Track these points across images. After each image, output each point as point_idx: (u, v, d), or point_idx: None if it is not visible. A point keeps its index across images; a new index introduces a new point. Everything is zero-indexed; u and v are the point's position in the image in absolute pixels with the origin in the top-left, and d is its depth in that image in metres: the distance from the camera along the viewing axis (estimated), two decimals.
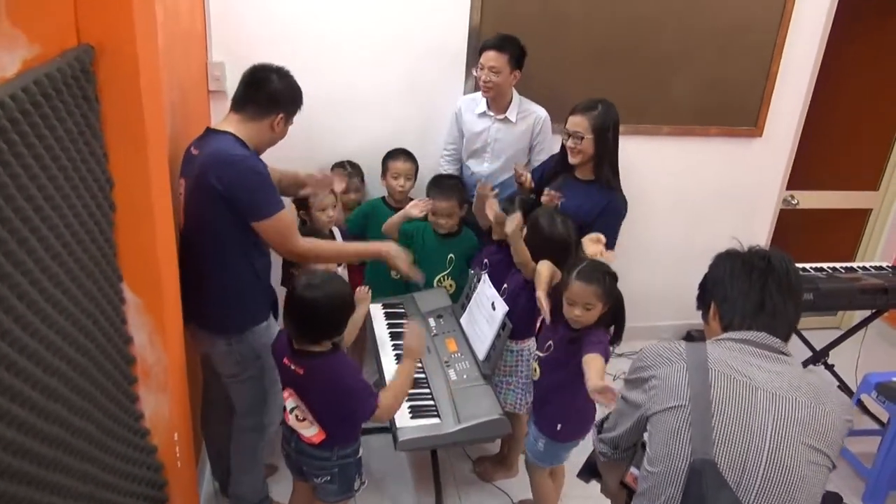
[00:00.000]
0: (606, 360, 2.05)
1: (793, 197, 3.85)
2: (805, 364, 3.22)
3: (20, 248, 1.02)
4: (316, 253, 2.20)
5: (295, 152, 2.50)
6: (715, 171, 3.62)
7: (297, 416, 1.97)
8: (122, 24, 1.35)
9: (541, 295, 2.17)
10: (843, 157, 4.12)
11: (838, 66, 3.74)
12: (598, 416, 2.05)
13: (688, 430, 1.24)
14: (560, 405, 2.19)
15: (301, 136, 2.30)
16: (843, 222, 4.14)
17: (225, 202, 1.92)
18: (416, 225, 2.90)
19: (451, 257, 2.90)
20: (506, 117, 2.93)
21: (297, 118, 2.17)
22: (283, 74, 2.08)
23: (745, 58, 3.37)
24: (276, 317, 2.26)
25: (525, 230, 2.41)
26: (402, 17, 3.01)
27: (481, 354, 2.38)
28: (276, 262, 2.42)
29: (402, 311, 2.76)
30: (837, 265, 3.18)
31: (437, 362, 2.39)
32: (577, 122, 2.54)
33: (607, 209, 2.56)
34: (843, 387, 3.20)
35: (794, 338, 2.92)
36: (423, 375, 2.33)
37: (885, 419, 2.86)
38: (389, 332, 2.63)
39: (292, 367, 1.90)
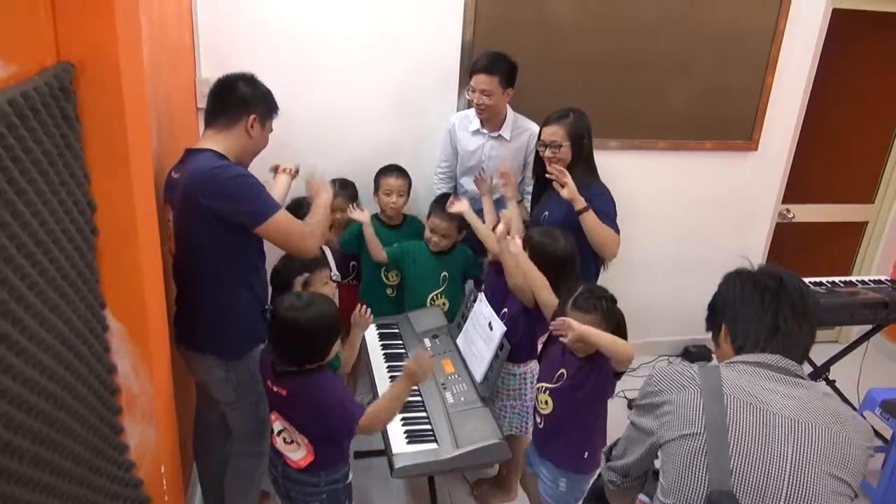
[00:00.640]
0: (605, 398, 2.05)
1: (789, 210, 3.83)
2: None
3: None
4: (317, 231, 2.06)
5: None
6: (711, 186, 3.60)
7: (284, 439, 1.91)
8: (103, 40, 1.29)
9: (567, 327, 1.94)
10: (839, 170, 4.11)
11: (832, 79, 3.74)
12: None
13: (704, 460, 1.18)
14: (582, 433, 2.08)
15: (292, 154, 2.25)
16: (839, 235, 4.13)
17: (218, 219, 1.86)
18: (405, 246, 2.85)
19: (444, 275, 2.84)
20: (500, 135, 2.89)
21: (288, 136, 2.12)
22: (248, 79, 2.02)
23: (740, 70, 3.36)
24: None
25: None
26: (394, 31, 2.98)
27: (479, 376, 2.32)
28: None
29: (397, 331, 2.71)
30: (836, 279, 3.14)
31: (434, 384, 2.32)
32: (553, 132, 2.53)
33: (589, 199, 2.48)
34: (845, 403, 3.15)
35: None
36: (419, 399, 2.27)
37: (888, 436, 2.81)
38: (384, 354, 2.57)
39: (275, 388, 1.84)
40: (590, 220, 2.45)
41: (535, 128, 2.90)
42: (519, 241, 2.28)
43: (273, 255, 2.12)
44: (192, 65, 2.80)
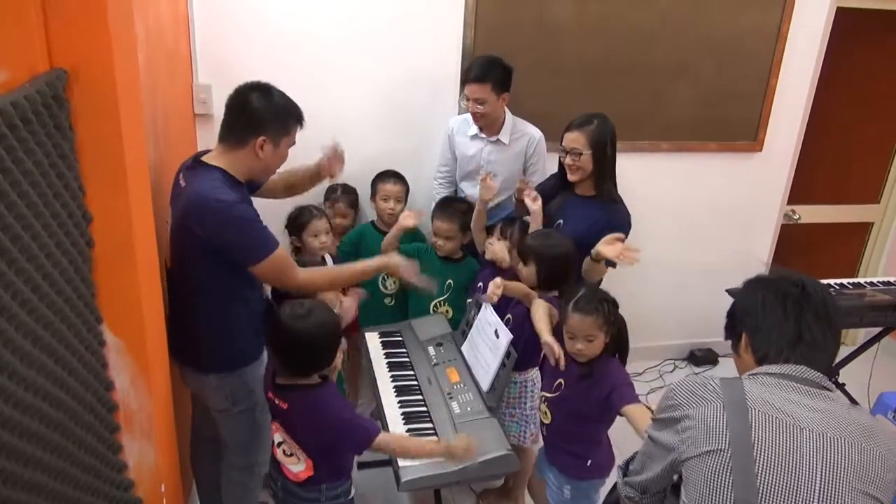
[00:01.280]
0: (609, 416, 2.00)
1: (794, 212, 3.78)
2: None
3: None
4: (317, 283, 2.06)
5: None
6: (715, 187, 3.56)
7: (284, 451, 1.86)
8: (98, 46, 1.25)
9: (549, 340, 2.00)
10: (844, 171, 4.07)
11: (836, 79, 3.70)
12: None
13: (728, 477, 1.13)
14: (582, 441, 2.06)
15: (291, 158, 2.20)
16: (844, 236, 4.08)
17: (211, 250, 1.81)
18: (415, 246, 2.80)
19: (449, 283, 2.79)
20: (498, 139, 2.84)
21: None
22: (264, 91, 1.89)
23: (744, 72, 3.32)
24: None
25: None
26: (394, 34, 2.93)
27: (485, 385, 2.27)
28: None
29: (400, 338, 2.65)
30: (845, 281, 3.10)
31: (440, 394, 2.27)
32: (574, 139, 2.47)
33: (611, 224, 2.46)
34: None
35: None
36: (424, 409, 2.21)
37: None
38: (387, 363, 2.51)
39: (276, 401, 1.80)
40: (592, 268, 2.40)
41: (536, 132, 2.86)
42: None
43: None
44: (189, 71, 2.75)
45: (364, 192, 2.98)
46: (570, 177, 2.52)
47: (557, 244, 2.29)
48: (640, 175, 3.32)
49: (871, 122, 3.94)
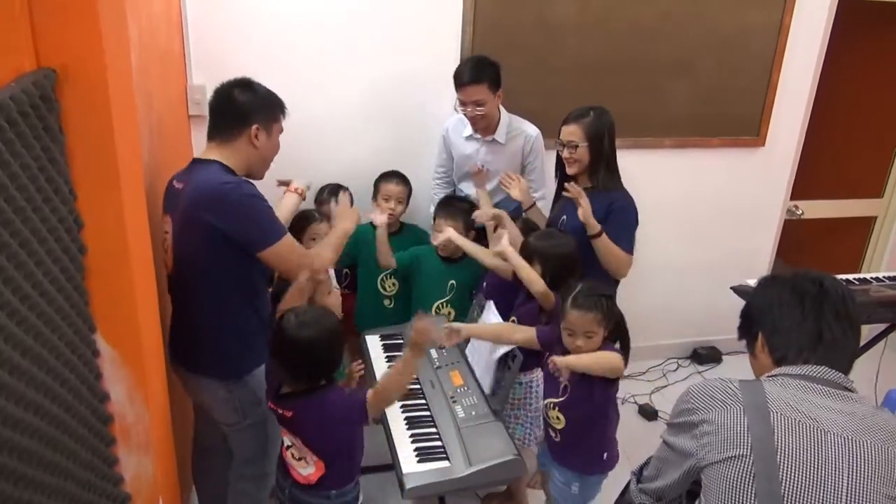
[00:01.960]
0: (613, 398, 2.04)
1: (797, 207, 3.75)
2: None
3: None
4: (323, 259, 2.03)
5: (283, 176, 2.35)
6: (718, 183, 3.53)
7: (293, 455, 1.82)
8: (88, 45, 1.20)
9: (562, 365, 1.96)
10: (846, 165, 4.04)
11: (838, 73, 3.67)
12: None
13: (751, 484, 1.09)
14: (595, 441, 2.07)
15: (287, 159, 2.16)
16: (847, 231, 4.05)
17: (221, 238, 1.77)
18: (416, 251, 2.76)
19: (452, 283, 2.75)
20: (494, 139, 2.79)
21: (284, 141, 2.02)
22: (245, 85, 1.92)
23: (746, 67, 3.29)
24: None
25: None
26: (391, 33, 2.89)
27: (487, 388, 2.23)
28: None
29: (402, 341, 2.61)
30: (850, 277, 3.05)
31: (443, 398, 2.23)
32: (571, 131, 2.44)
33: (611, 210, 2.44)
34: None
35: None
36: (427, 413, 2.18)
37: None
38: (389, 366, 2.46)
39: (279, 410, 1.75)
40: (601, 245, 2.39)
41: (532, 130, 2.81)
42: (505, 241, 2.27)
43: None
44: (182, 72, 2.70)
45: (365, 191, 2.93)
46: (569, 170, 2.50)
47: (560, 244, 2.28)
48: (642, 172, 3.27)
49: (873, 116, 3.91)
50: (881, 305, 2.84)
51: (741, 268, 3.56)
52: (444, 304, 2.75)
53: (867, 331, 3.66)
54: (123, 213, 1.32)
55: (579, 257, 2.29)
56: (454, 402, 2.22)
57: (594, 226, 2.37)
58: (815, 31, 3.31)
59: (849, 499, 1.06)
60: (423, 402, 2.23)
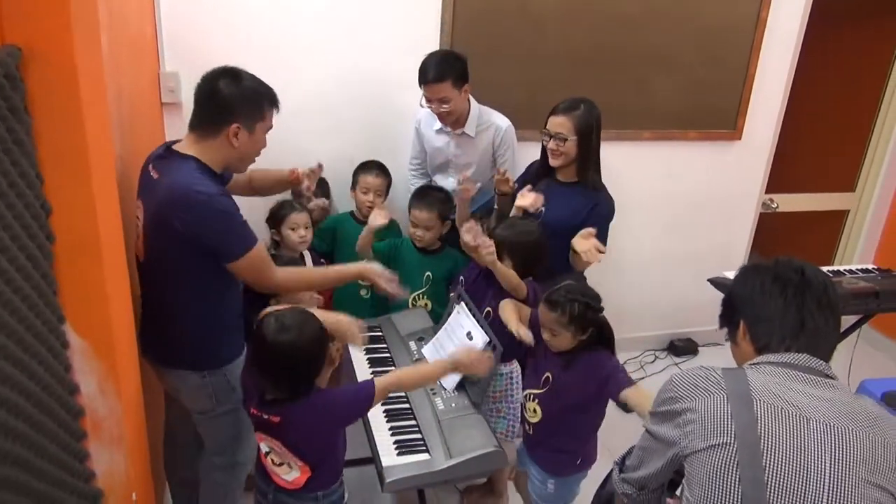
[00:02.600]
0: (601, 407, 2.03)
1: (772, 200, 3.79)
2: None
3: None
4: (294, 283, 2.01)
5: (268, 165, 2.29)
6: (695, 176, 3.55)
7: (273, 461, 1.76)
8: (56, 23, 1.15)
9: (520, 332, 2.03)
10: (820, 159, 4.10)
11: (813, 69, 3.71)
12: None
13: (735, 472, 1.08)
14: (574, 436, 2.04)
15: (264, 149, 2.11)
16: (821, 224, 4.11)
17: (190, 245, 1.72)
18: (391, 242, 2.73)
19: (428, 275, 2.72)
20: (464, 132, 2.76)
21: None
22: (233, 76, 1.80)
23: (724, 60, 3.31)
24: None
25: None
26: (372, 20, 2.85)
27: (449, 386, 2.20)
28: None
29: (381, 334, 2.58)
30: (824, 269, 3.08)
31: (422, 390, 2.20)
32: (560, 123, 2.41)
33: (594, 212, 2.44)
34: None
35: None
36: (407, 406, 2.15)
37: None
38: (367, 359, 2.43)
39: (264, 416, 1.68)
40: (574, 258, 2.38)
41: (503, 122, 2.79)
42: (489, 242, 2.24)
43: None
44: (155, 59, 2.63)
45: (345, 181, 2.89)
46: (552, 161, 2.48)
47: (524, 232, 2.27)
48: (621, 164, 3.28)
49: (847, 111, 3.96)
50: (854, 297, 2.88)
51: (717, 260, 3.59)
52: (421, 296, 2.73)
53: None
54: (93, 198, 1.27)
55: (545, 242, 2.28)
56: (434, 394, 2.19)
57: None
58: (791, 25, 3.34)
59: (832, 485, 1.06)
60: (402, 394, 2.20)
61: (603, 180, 2.54)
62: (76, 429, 1.35)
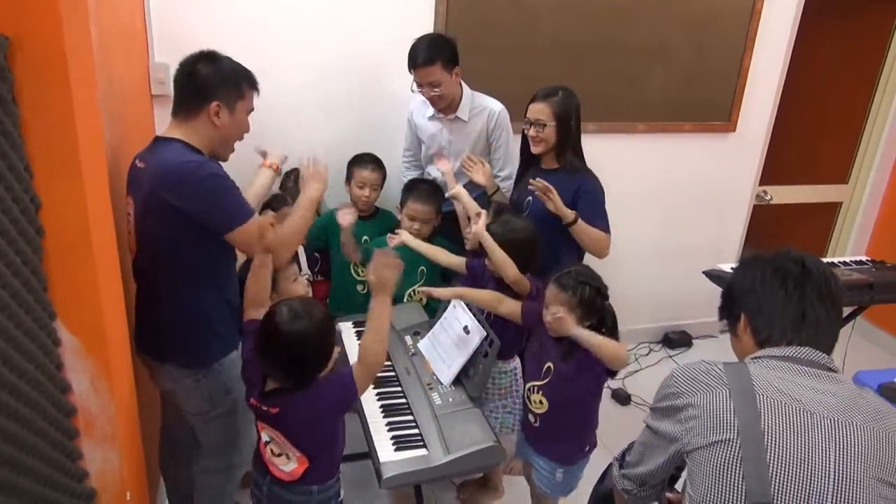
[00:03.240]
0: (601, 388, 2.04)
1: (766, 192, 3.79)
2: None
3: None
4: (286, 240, 1.89)
5: (249, 157, 2.26)
6: (689, 168, 3.54)
7: (272, 451, 1.74)
8: (44, 11, 1.12)
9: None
10: (814, 152, 4.10)
11: (808, 60, 3.71)
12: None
13: (739, 469, 1.07)
14: (578, 427, 2.06)
15: (256, 140, 2.08)
16: (814, 216, 4.12)
17: (185, 219, 1.69)
18: (378, 242, 2.70)
19: (422, 269, 2.71)
20: (457, 117, 2.74)
21: (250, 120, 1.93)
22: (210, 58, 1.82)
23: (718, 52, 3.31)
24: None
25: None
26: (364, 11, 2.82)
27: (445, 380, 2.18)
28: None
29: None
30: None
31: (419, 385, 2.19)
32: (539, 110, 2.43)
33: (580, 192, 2.45)
34: None
35: None
36: (404, 401, 2.13)
37: None
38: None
39: (263, 407, 1.67)
40: (579, 230, 2.41)
41: (496, 105, 2.76)
42: (482, 224, 2.25)
43: None
44: (144, 50, 2.59)
45: (338, 174, 2.85)
46: (534, 149, 2.49)
47: (518, 229, 2.27)
48: (615, 156, 3.28)
49: (841, 103, 3.96)
50: (847, 289, 2.88)
51: (712, 253, 3.59)
52: (417, 290, 2.71)
53: None
54: (84, 191, 1.24)
55: (538, 239, 2.28)
56: (430, 388, 2.18)
57: (568, 214, 2.37)
58: (785, 16, 3.34)
59: (837, 480, 1.05)
60: (398, 389, 2.19)
61: (597, 172, 2.53)
62: (68, 427, 1.33)
